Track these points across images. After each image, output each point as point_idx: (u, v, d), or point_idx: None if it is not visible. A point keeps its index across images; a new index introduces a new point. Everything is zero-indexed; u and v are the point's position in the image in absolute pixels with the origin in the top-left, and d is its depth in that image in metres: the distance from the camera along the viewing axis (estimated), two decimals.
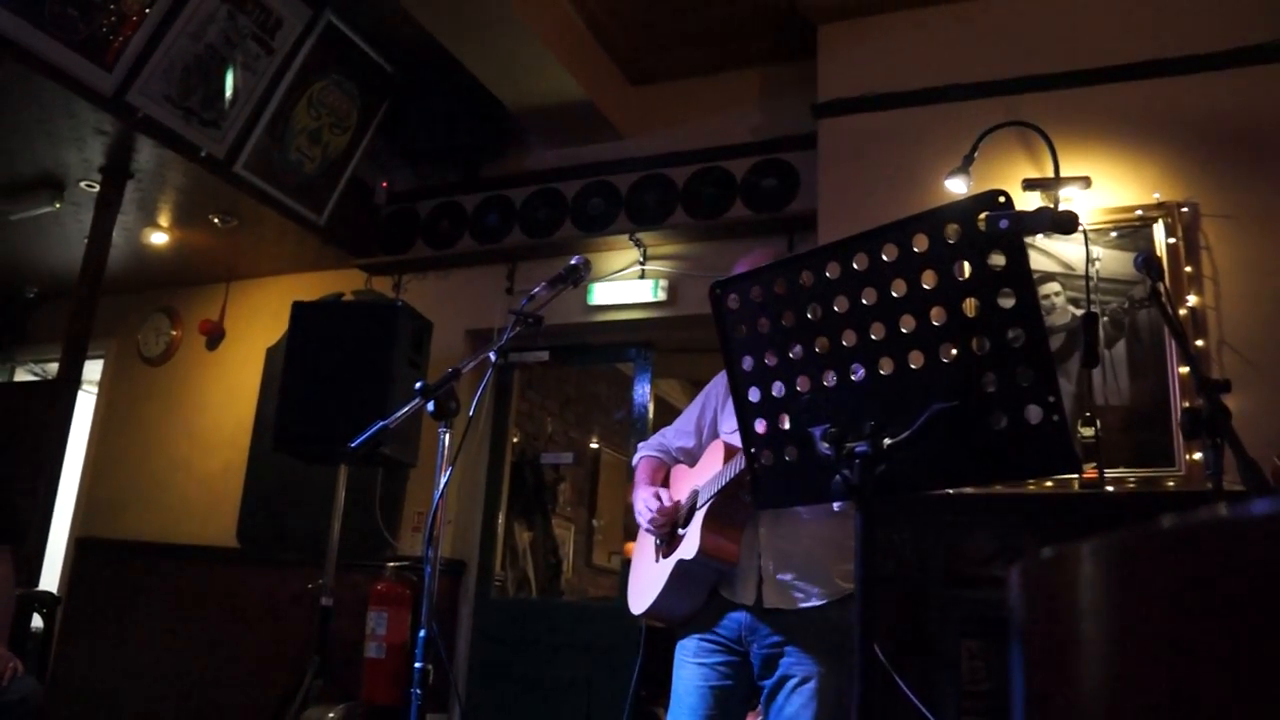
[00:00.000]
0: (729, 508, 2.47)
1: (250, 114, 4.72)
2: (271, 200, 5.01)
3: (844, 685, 2.38)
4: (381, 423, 2.15)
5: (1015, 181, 3.90)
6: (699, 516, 2.49)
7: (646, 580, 2.68)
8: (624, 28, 4.98)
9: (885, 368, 1.52)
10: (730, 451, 2.48)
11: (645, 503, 2.66)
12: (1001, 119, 3.96)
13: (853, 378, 1.55)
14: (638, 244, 5.09)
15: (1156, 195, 3.81)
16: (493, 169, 5.60)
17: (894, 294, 1.50)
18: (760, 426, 1.67)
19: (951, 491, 3.58)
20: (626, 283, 5.07)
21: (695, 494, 2.60)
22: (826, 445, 1.53)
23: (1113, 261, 3.82)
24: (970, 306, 1.43)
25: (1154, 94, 3.94)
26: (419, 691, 2.12)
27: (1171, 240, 3.75)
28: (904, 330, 1.49)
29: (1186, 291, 3.67)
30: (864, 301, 1.53)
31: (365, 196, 5.69)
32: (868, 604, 1.48)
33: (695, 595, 2.54)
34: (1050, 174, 3.85)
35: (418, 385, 2.14)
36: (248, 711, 5.19)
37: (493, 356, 2.27)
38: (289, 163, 5.00)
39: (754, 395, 1.67)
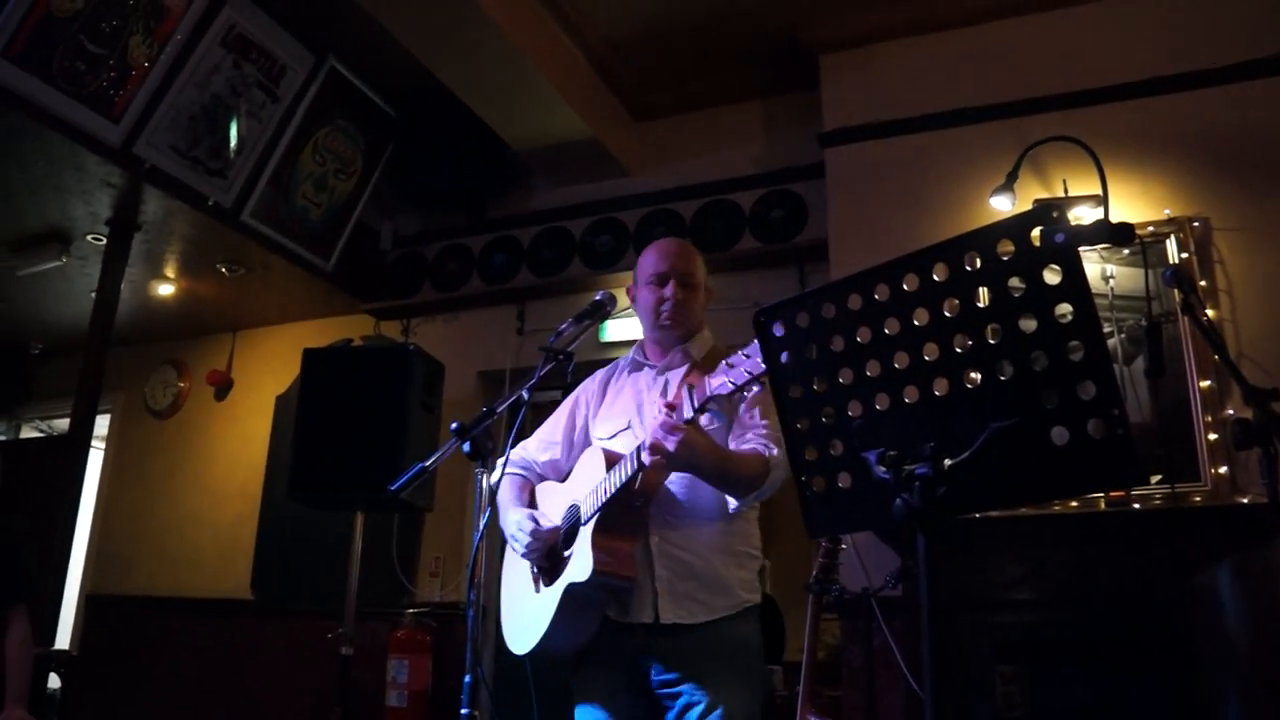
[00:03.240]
0: (619, 519, 2.25)
1: (256, 162, 4.74)
2: (278, 247, 5.01)
3: (754, 711, 2.26)
4: (420, 465, 2.12)
5: (1025, 203, 3.90)
6: (586, 532, 2.25)
7: (527, 615, 2.42)
8: (627, 64, 5.01)
9: (940, 389, 1.49)
10: (612, 458, 2.28)
11: (519, 526, 2.40)
12: (1007, 141, 3.97)
13: (905, 401, 1.53)
14: None
15: (1167, 211, 3.82)
16: (499, 209, 5.61)
17: (946, 313, 1.48)
18: (811, 454, 1.64)
19: (978, 515, 3.55)
20: (638, 319, 5.05)
21: (575, 509, 2.36)
22: (884, 469, 1.50)
23: (1126, 279, 3.82)
24: (1026, 323, 1.41)
25: (1160, 110, 3.96)
26: None
27: (1184, 255, 3.75)
28: (958, 350, 1.47)
29: (1203, 306, 3.67)
30: (915, 323, 1.51)
31: (371, 241, 5.70)
32: (935, 634, 1.45)
33: (588, 623, 2.31)
34: (1060, 193, 3.85)
35: (454, 426, 2.11)
36: None
37: (525, 395, 2.23)
38: (295, 209, 5.00)
39: (804, 422, 1.65)
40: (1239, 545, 3.30)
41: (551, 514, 2.47)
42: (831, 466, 1.62)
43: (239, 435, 6.10)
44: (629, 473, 2.17)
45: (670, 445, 2.06)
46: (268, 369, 6.10)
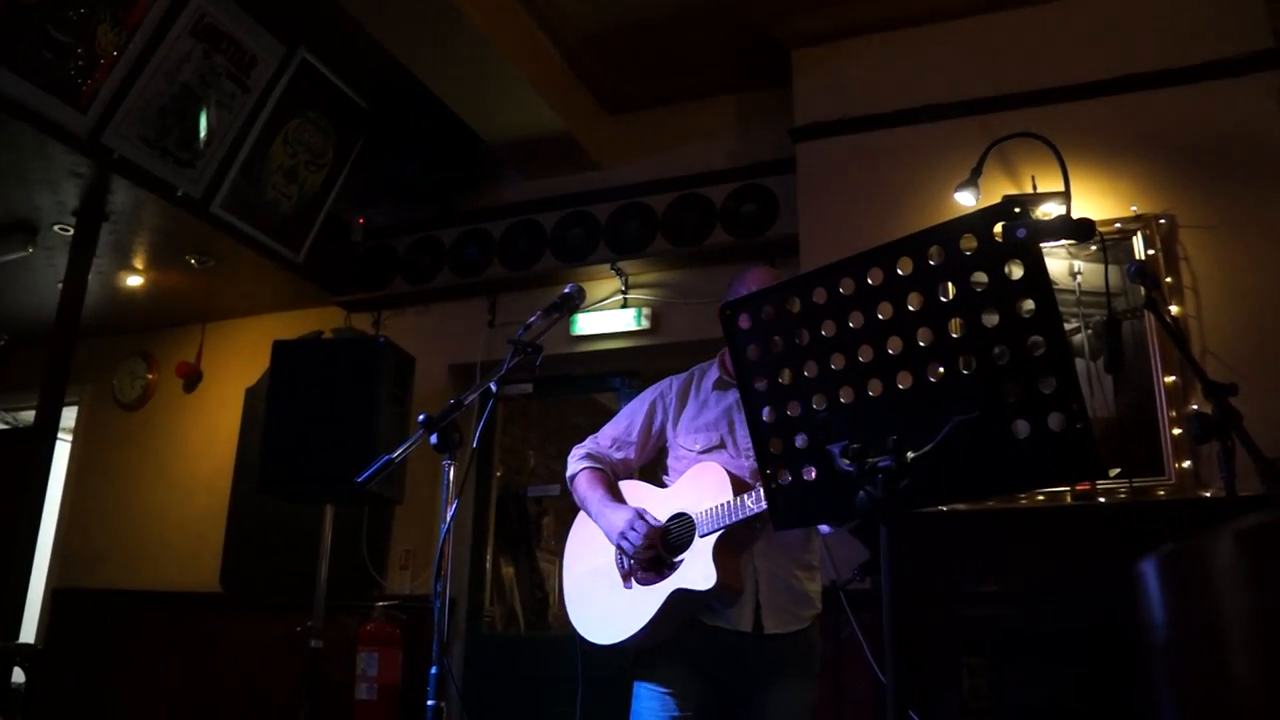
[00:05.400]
0: (737, 537, 2.42)
1: (226, 153, 4.69)
2: (248, 239, 4.97)
3: (814, 703, 2.52)
4: (386, 457, 2.11)
5: (994, 198, 3.92)
6: (706, 545, 2.39)
7: (612, 608, 2.53)
8: (599, 57, 5.00)
9: (903, 382, 1.51)
10: (739, 483, 2.42)
11: (630, 524, 2.49)
12: (976, 137, 4.00)
13: (869, 394, 1.54)
14: (619, 273, 5.08)
15: (1134, 208, 3.86)
16: (470, 202, 5.59)
17: (910, 307, 1.49)
18: (776, 446, 1.65)
19: (945, 508, 3.58)
20: (609, 312, 5.06)
21: (686, 519, 2.49)
22: (847, 461, 1.51)
23: (1093, 274, 3.85)
24: (988, 317, 1.42)
25: (1127, 108, 4.01)
26: None
27: (1150, 252, 3.79)
28: (921, 344, 1.48)
29: (1168, 302, 3.71)
30: (880, 316, 1.52)
31: (342, 233, 5.66)
32: (895, 624, 1.46)
33: (679, 623, 2.46)
34: (1029, 190, 3.89)
35: (421, 418, 2.10)
36: None
37: (494, 387, 2.23)
38: (265, 201, 4.96)
39: (768, 415, 1.65)
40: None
41: (658, 515, 2.56)
42: (796, 459, 1.63)
43: (208, 427, 6.04)
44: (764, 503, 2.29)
45: None
46: (237, 361, 6.04)
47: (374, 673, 4.70)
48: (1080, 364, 3.74)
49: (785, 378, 1.63)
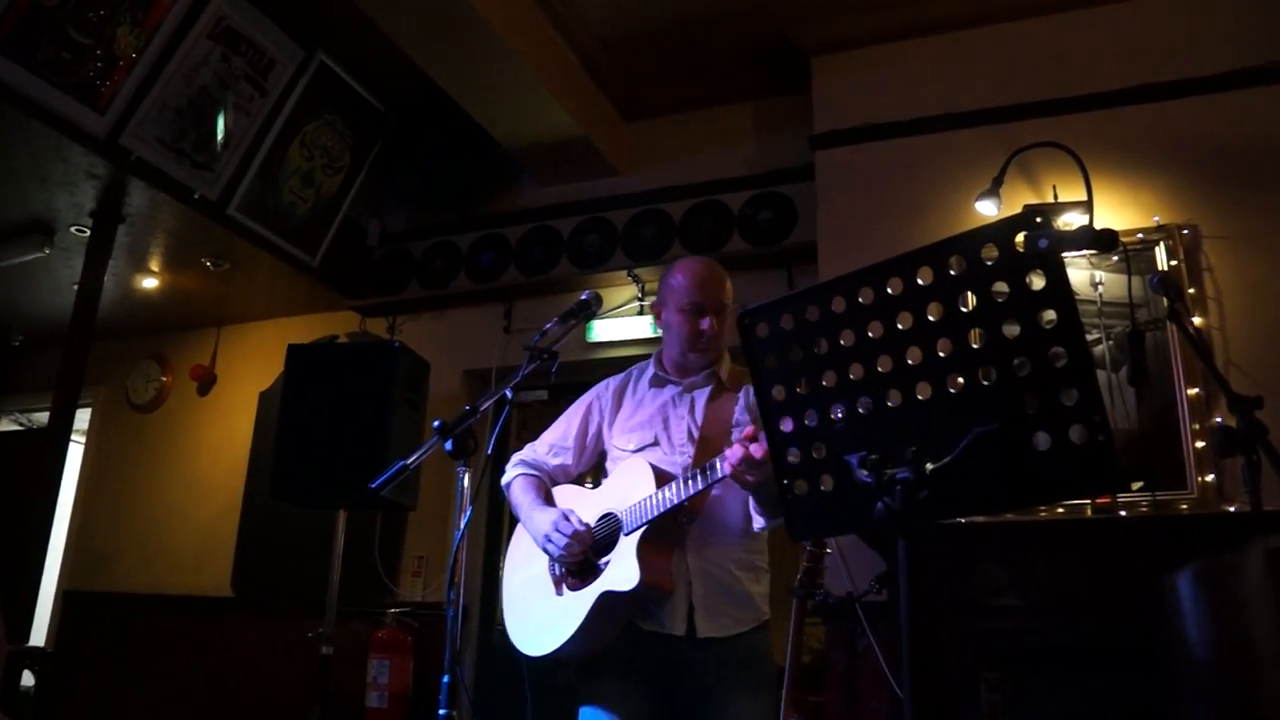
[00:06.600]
0: (663, 533, 2.35)
1: (243, 156, 4.72)
2: (264, 242, 5.00)
3: (770, 716, 2.45)
4: (401, 462, 2.12)
5: (1016, 208, 3.92)
6: (630, 543, 2.33)
7: (546, 617, 2.46)
8: (617, 63, 5.02)
9: (923, 393, 1.50)
10: (662, 476, 2.37)
11: (556, 526, 2.42)
12: (997, 146, 3.99)
13: (888, 404, 1.54)
14: (636, 280, 5.09)
15: (1156, 219, 3.84)
16: (487, 207, 5.60)
17: (930, 317, 1.49)
18: (794, 456, 1.65)
19: (964, 521, 3.56)
20: (625, 319, 5.07)
21: (613, 518, 2.43)
22: (865, 472, 1.51)
23: (1116, 285, 3.83)
24: (1009, 327, 1.42)
25: (1150, 117, 3.99)
26: None
27: (1174, 263, 3.77)
28: (941, 354, 1.48)
29: (1191, 313, 3.69)
30: (899, 326, 1.52)
31: (358, 237, 5.69)
32: (913, 637, 1.46)
33: (613, 630, 2.39)
34: (1051, 199, 3.88)
35: (435, 424, 2.11)
36: None
37: (509, 393, 2.24)
38: (282, 204, 4.99)
39: (787, 425, 1.65)
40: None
41: (585, 518, 2.50)
42: (814, 469, 1.63)
43: (221, 431, 6.08)
44: (693, 490, 2.25)
45: (753, 477, 2.16)
46: (251, 365, 6.08)
47: (385, 680, 4.70)
48: (1102, 375, 3.72)
49: (803, 387, 1.63)
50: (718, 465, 2.20)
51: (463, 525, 2.13)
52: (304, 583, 5.06)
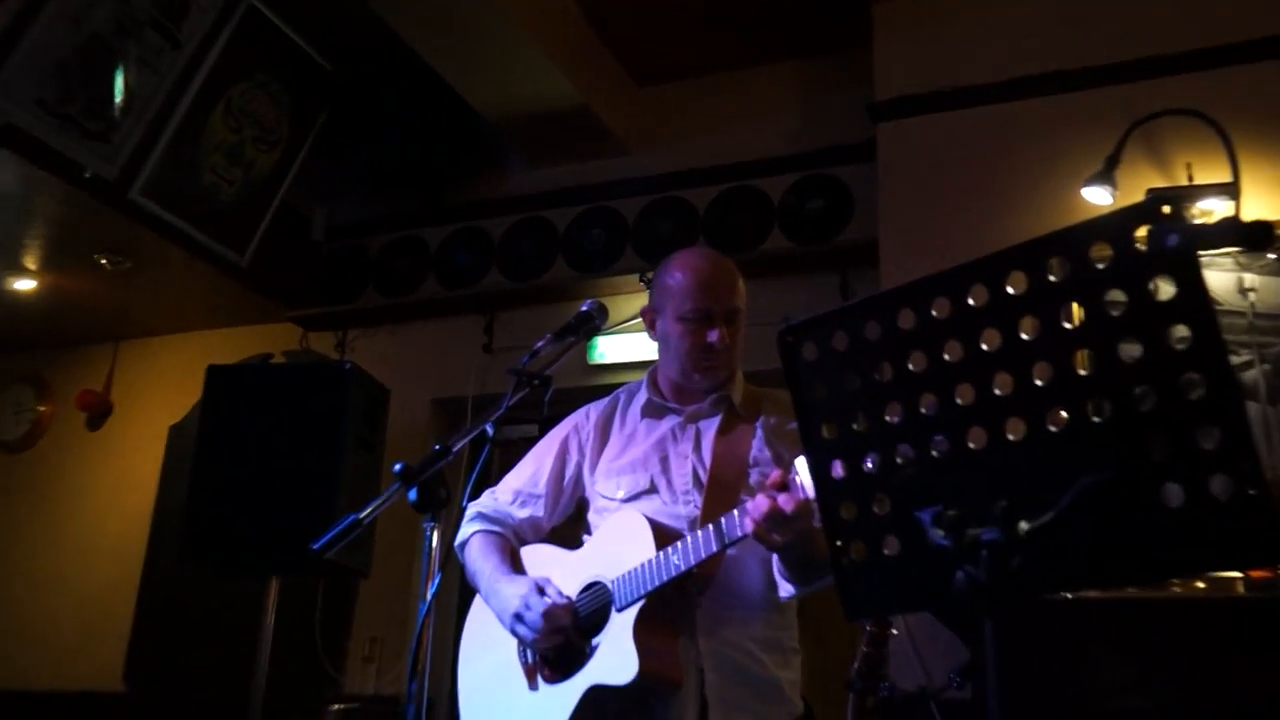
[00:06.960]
0: (666, 608, 2.31)
1: (150, 125, 4.74)
2: (177, 234, 5.01)
3: None
4: (352, 517, 2.11)
5: (1137, 194, 3.91)
6: (624, 621, 2.29)
7: (516, 717, 2.43)
8: (628, 16, 5.04)
9: (1015, 431, 1.49)
10: (664, 534, 2.33)
11: (524, 602, 2.37)
12: (1112, 115, 3.98)
13: (970, 446, 1.53)
14: (649, 286, 5.08)
15: None
16: (463, 194, 5.65)
17: (1023, 335, 1.48)
18: (849, 511, 1.64)
19: (1070, 596, 3.54)
20: (636, 335, 5.06)
21: (601, 588, 2.40)
22: (941, 533, 1.50)
23: (1270, 292, 3.80)
24: (1128, 348, 1.41)
25: None
26: None
27: None
28: (1039, 382, 1.47)
29: None
30: (983, 347, 1.51)
31: (300, 230, 5.72)
32: None
33: None
34: (1183, 183, 3.86)
35: (396, 468, 2.10)
36: None
37: (490, 429, 2.23)
38: (201, 187, 5.01)
39: (838, 471, 1.65)
40: None
41: (563, 588, 2.47)
42: (875, 528, 1.62)
43: (118, 476, 6.10)
44: (704, 553, 2.20)
45: (781, 536, 2.12)
46: (160, 391, 6.11)
47: None
48: (1253, 409, 3.70)
49: (861, 424, 1.62)
50: (736, 521, 2.16)
51: (429, 597, 2.12)
52: (221, 674, 5.05)
